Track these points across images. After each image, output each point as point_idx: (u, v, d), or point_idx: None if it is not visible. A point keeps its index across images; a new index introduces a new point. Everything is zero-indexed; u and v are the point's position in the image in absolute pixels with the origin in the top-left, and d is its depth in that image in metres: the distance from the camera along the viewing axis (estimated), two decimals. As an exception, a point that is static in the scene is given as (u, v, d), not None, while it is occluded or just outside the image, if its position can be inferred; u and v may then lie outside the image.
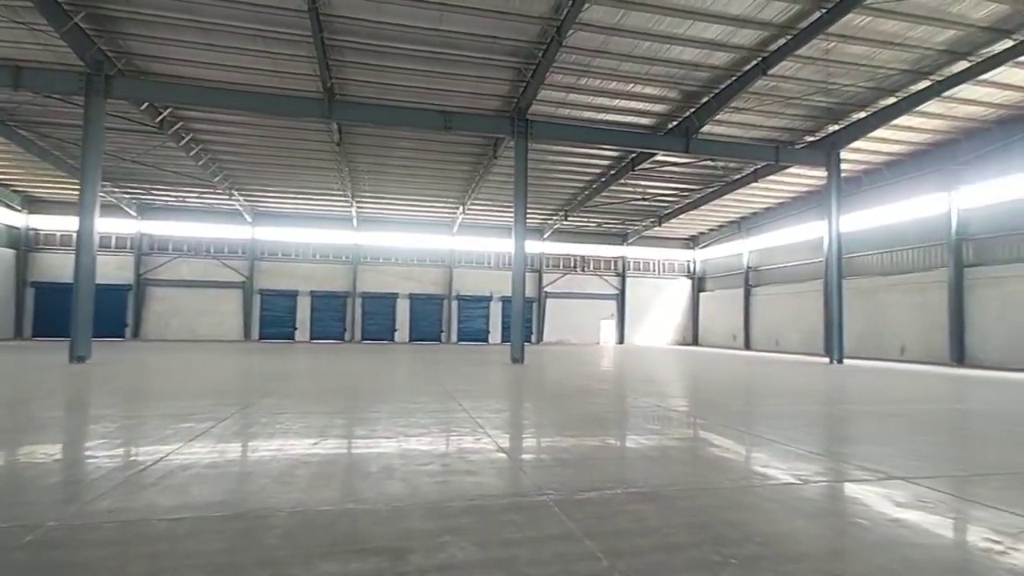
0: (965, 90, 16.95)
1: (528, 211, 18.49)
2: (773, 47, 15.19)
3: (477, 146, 22.05)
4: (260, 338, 31.85)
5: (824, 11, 13.53)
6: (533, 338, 35.68)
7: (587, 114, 19.02)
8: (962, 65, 15.77)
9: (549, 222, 33.65)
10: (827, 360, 21.03)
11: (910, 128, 20.10)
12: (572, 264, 37.22)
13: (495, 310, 35.19)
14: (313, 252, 33.36)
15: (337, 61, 15.59)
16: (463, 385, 11.01)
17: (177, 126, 19.73)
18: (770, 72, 15.77)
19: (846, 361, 20.81)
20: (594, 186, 26.60)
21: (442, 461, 4.78)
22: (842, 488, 4.34)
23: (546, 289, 36.39)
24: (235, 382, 11.53)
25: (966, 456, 5.80)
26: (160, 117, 18.75)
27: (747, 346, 33.55)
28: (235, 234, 32.19)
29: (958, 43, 14.93)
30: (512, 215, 18.64)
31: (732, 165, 23.87)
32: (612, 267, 37.94)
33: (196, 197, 28.83)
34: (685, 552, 2.92)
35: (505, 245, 34.12)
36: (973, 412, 8.92)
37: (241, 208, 30.21)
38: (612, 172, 24.67)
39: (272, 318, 32.33)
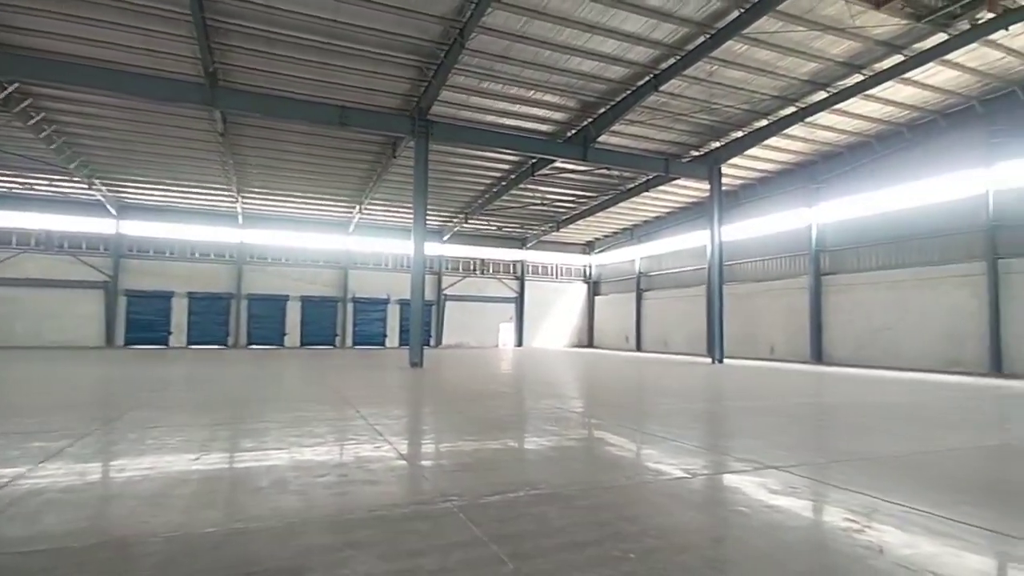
0: (823, 117, 19.01)
1: (428, 213, 18.29)
2: (664, 65, 16.14)
3: (376, 144, 21.46)
4: (126, 343, 28.81)
5: (708, 36, 14.60)
6: (432, 341, 35.31)
7: (489, 118, 19.15)
8: (821, 95, 17.68)
9: (449, 224, 33.49)
10: (709, 360, 22.64)
11: (779, 148, 22.23)
12: (472, 267, 37.30)
13: (393, 313, 34.43)
14: (192, 250, 30.69)
15: (221, 45, 14.50)
16: (361, 391, 10.64)
17: (25, 103, 17.38)
18: (661, 89, 16.74)
19: (726, 361, 22.52)
20: (495, 190, 26.85)
21: (340, 471, 4.57)
22: (725, 479, 4.66)
23: (446, 292, 36.18)
24: (97, 393, 10.34)
25: (826, 445, 6.45)
26: (5, 93, 16.42)
27: (638, 348, 35.35)
28: (96, 228, 28.76)
29: (818, 75, 16.71)
30: (412, 216, 18.33)
31: (626, 174, 25.08)
32: (511, 270, 38.47)
33: (47, 185, 25.54)
34: (587, 550, 2.98)
35: (404, 246, 33.51)
36: (829, 405, 9.98)
37: (104, 199, 27.13)
38: (513, 177, 25.03)
39: (141, 322, 29.30)
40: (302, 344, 32.04)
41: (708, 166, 22.39)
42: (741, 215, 27.13)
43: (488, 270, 37.74)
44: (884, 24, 14.20)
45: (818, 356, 22.93)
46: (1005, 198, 17.73)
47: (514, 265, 38.51)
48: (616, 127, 19.71)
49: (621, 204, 29.23)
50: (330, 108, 16.80)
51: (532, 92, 17.55)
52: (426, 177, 17.78)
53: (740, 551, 3.08)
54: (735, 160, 22.56)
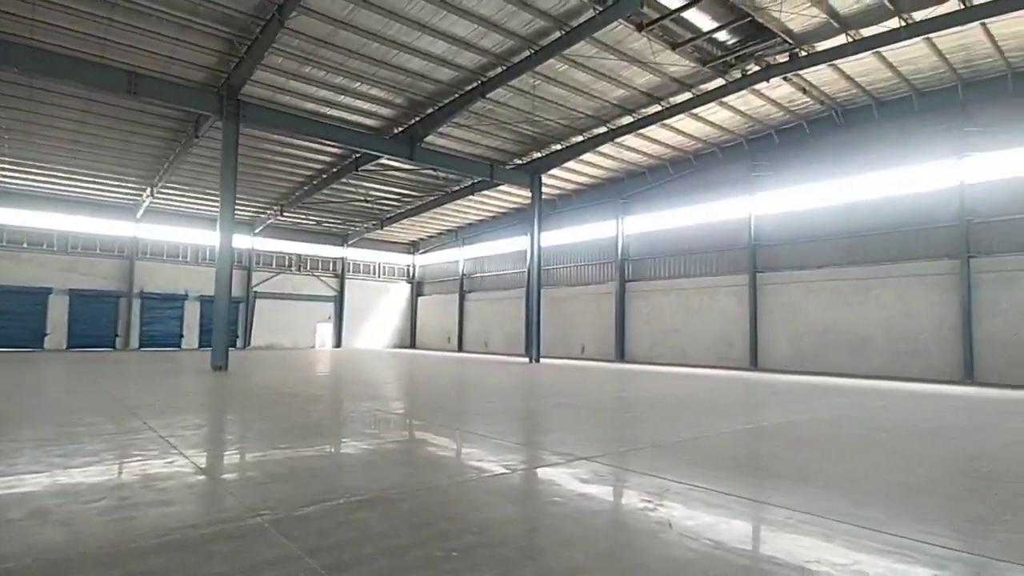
0: (629, 139, 21.21)
1: (238, 202, 16.64)
2: (491, 74, 16.67)
3: (174, 120, 18.92)
4: None
5: (533, 51, 15.41)
6: (239, 342, 32.19)
7: (310, 105, 18.04)
8: (628, 119, 19.71)
9: (263, 216, 30.84)
10: (527, 360, 23.86)
11: (593, 164, 24.30)
12: (287, 263, 34.79)
13: (192, 311, 30.66)
14: (-91, 228, 24.19)
15: (-36, -24, 11.66)
16: (149, 399, 9.26)
17: None
18: (488, 96, 17.27)
19: (542, 360, 23.93)
20: (315, 182, 25.37)
21: (120, 494, 3.91)
22: (541, 473, 4.92)
23: (256, 288, 33.23)
24: None
25: (626, 435, 7.17)
26: None
27: (460, 348, 35.98)
28: None
29: (626, 100, 18.60)
30: (217, 205, 16.51)
31: (452, 177, 25.39)
32: (331, 268, 36.68)
33: None
34: (410, 553, 2.93)
35: (207, 237, 30.08)
36: (629, 399, 11.13)
37: None
38: (335, 170, 23.89)
39: None
40: (70, 346, 27.01)
41: (530, 174, 23.63)
42: (559, 223, 29.07)
43: (305, 267, 35.53)
44: (678, 63, 16.27)
45: (621, 355, 25.48)
46: (762, 222, 21.44)
47: (334, 262, 36.77)
48: (444, 129, 19.88)
49: (447, 206, 29.56)
50: (117, 72, 14.47)
51: (358, 84, 16.93)
52: (235, 163, 16.17)
53: (554, 538, 3.26)
54: (555, 171, 24.13)
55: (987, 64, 16.22)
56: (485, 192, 26.88)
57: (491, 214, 32.83)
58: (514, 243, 32.11)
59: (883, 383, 15.71)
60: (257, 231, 32.45)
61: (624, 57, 15.84)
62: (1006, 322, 16.13)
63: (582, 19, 14.11)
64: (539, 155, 23.22)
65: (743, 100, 18.57)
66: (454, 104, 18.10)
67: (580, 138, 21.42)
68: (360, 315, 37.57)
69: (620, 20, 13.94)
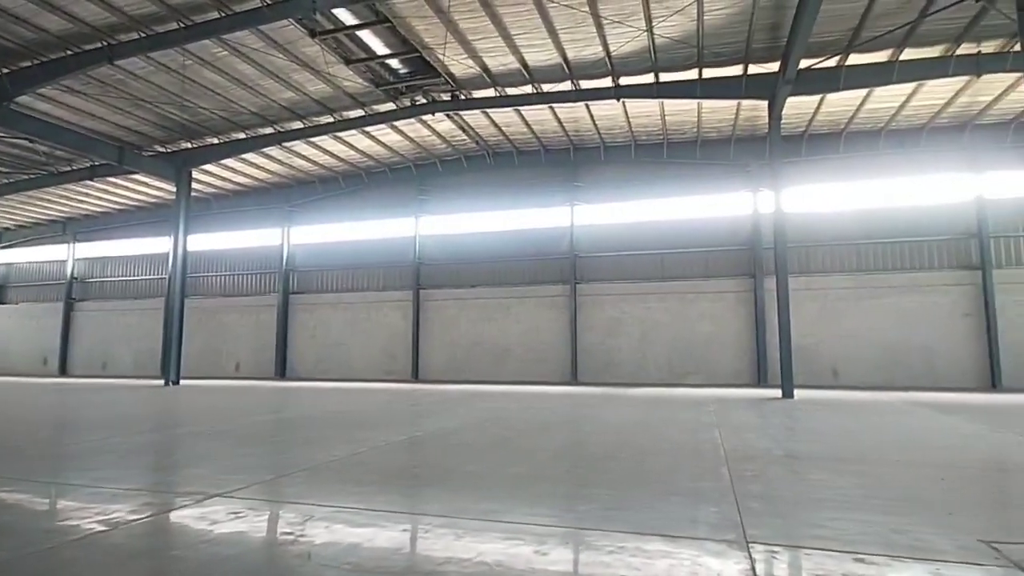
0: (300, 146, 20.28)
1: None
2: (125, 37, 13.82)
3: None
4: None
5: (183, 25, 13.37)
6: None
7: None
8: (299, 124, 18.82)
9: None
10: (163, 382, 20.24)
11: (257, 166, 22.37)
12: None
13: None
14: None
15: None
16: None
17: None
18: (118, 63, 14.28)
19: (184, 382, 20.61)
20: None
21: None
22: (159, 522, 4.05)
23: None
24: None
25: (275, 462, 6.57)
26: None
27: (63, 372, 28.49)
28: None
29: (296, 105, 17.73)
30: None
31: (60, 153, 20.08)
32: None
33: None
34: None
35: None
36: (285, 420, 10.37)
37: None
38: None
39: None
40: None
41: (176, 166, 20.40)
42: (214, 225, 25.88)
43: None
44: (352, 79, 16.32)
45: (282, 372, 23.87)
46: (427, 242, 23.04)
47: None
48: (50, 91, 15.62)
49: (50, 189, 23.24)
50: None
51: (-99, 1, 11.99)
52: None
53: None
54: (211, 167, 21.39)
55: (589, 136, 20.92)
56: (111, 179, 22.13)
57: (120, 207, 27.18)
58: (152, 244, 27.20)
59: (519, 387, 18.44)
60: None
61: (296, 60, 15.11)
62: (595, 337, 20.98)
63: (247, 6, 12.91)
64: (190, 145, 20.29)
65: (412, 128, 19.76)
66: (67, 63, 14.41)
67: (242, 135, 19.52)
68: None
69: (291, 20, 13.24)
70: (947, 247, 19.06)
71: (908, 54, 14.64)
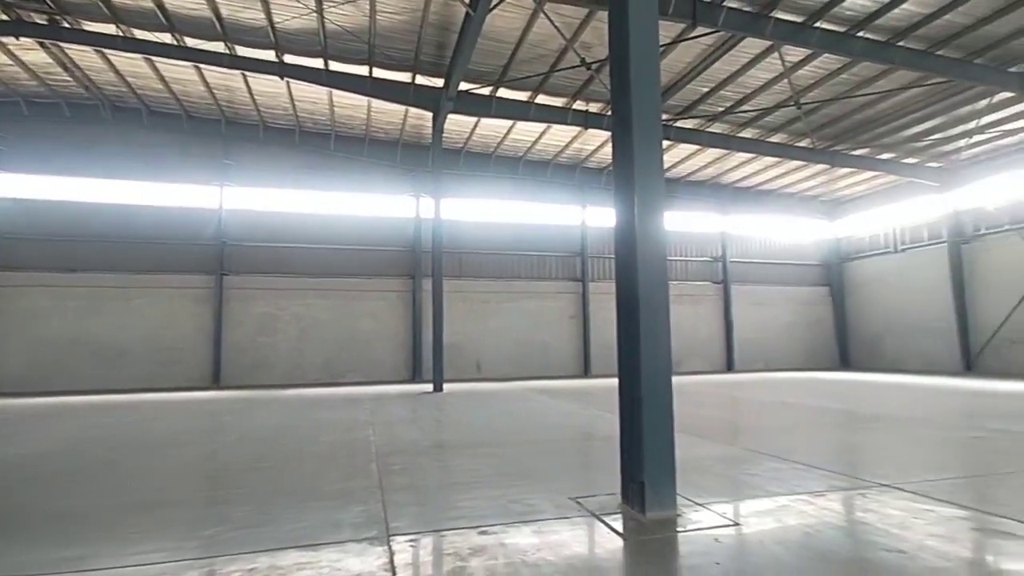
0: None
1: None
2: None
3: None
4: None
5: None
6: None
7: None
8: None
9: None
10: None
11: None
12: None
13: None
14: None
15: None
16: None
17: None
18: None
19: None
20: None
21: None
22: None
23: None
24: None
25: None
26: None
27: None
28: None
29: None
30: None
31: None
32: None
33: None
34: None
35: None
36: None
37: None
38: None
39: None
40: None
41: None
42: None
43: None
44: None
45: None
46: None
47: None
48: None
49: None
50: None
51: None
52: None
53: None
54: None
55: (245, 110, 18.84)
56: None
57: None
58: None
59: (143, 395, 15.35)
60: None
61: None
62: (245, 335, 19.05)
63: None
64: None
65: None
66: None
67: None
68: None
69: None
70: (562, 262, 23.58)
71: (542, 99, 17.52)
